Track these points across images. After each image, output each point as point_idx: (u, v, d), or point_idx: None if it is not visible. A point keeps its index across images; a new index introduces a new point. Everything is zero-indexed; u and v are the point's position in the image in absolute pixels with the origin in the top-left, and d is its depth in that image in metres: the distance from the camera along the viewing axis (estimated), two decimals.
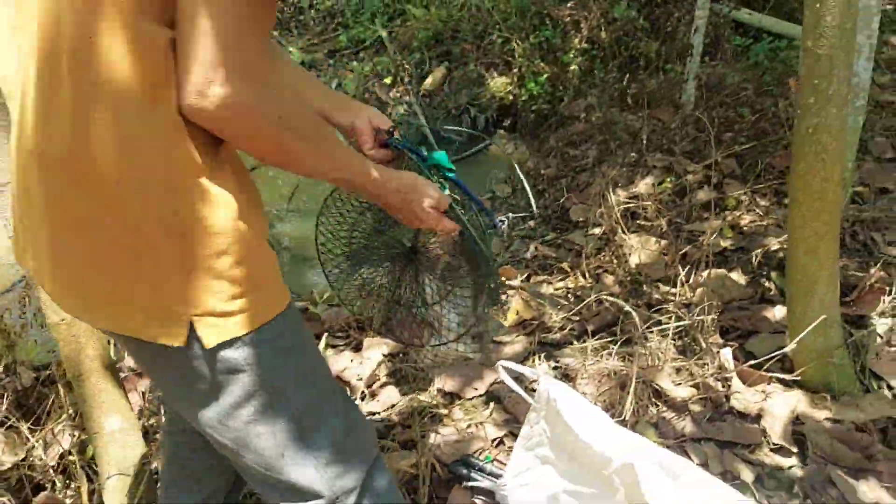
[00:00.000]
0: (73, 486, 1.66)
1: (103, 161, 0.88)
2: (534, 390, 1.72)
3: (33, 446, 1.67)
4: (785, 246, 2.73)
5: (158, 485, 1.62)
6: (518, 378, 1.74)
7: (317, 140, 1.01)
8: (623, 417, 1.84)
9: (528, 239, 3.31)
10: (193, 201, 0.91)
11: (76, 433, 1.69)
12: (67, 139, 0.89)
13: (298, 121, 0.96)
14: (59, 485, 1.66)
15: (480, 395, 2.07)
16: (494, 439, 1.91)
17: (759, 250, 2.71)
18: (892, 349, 2.23)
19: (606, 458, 1.54)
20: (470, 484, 1.73)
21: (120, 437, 1.53)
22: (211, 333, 0.96)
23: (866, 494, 1.79)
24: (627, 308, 2.09)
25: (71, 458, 1.70)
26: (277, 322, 1.03)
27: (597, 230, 3.09)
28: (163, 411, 1.37)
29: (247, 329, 0.99)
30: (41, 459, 1.68)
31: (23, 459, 1.67)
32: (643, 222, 3.06)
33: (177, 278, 0.93)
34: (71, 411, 1.71)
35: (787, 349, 2.00)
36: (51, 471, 1.67)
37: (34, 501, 1.61)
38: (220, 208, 0.93)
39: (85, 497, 1.55)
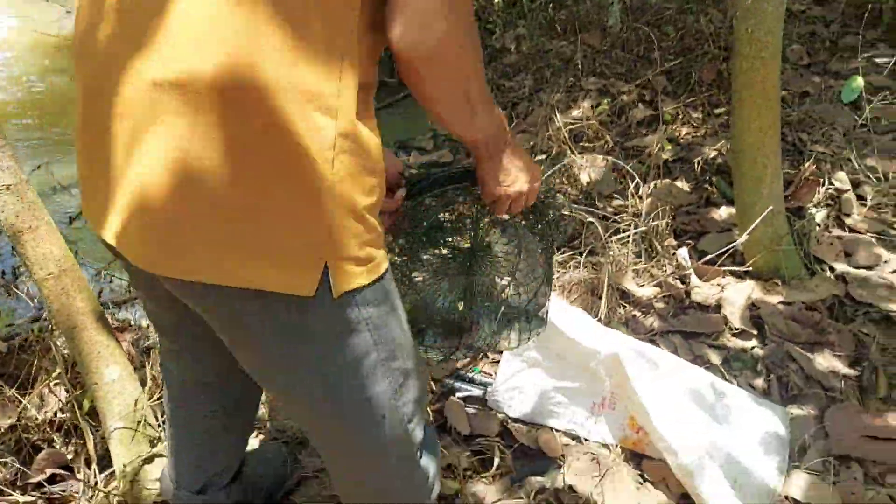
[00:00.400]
0: (73, 441, 1.67)
1: (271, 77, 0.82)
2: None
3: (25, 408, 1.66)
4: (723, 152, 2.88)
5: (162, 426, 1.64)
6: None
7: (487, 92, 1.01)
8: (598, 318, 1.94)
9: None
10: (357, 133, 0.89)
11: (69, 389, 1.69)
12: (232, 60, 0.81)
13: (481, 66, 0.97)
14: (58, 441, 1.67)
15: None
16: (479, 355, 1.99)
17: (699, 158, 2.84)
18: (830, 235, 2.39)
19: (593, 351, 1.64)
20: (462, 394, 1.81)
21: (119, 386, 1.54)
22: (343, 281, 0.91)
23: (821, 364, 1.95)
24: (591, 220, 2.18)
25: (64, 415, 1.70)
26: (388, 274, 1.00)
27: (542, 156, 3.17)
28: (167, 388, 1.33)
29: (373, 277, 0.95)
30: (35, 420, 1.67)
31: (17, 421, 1.66)
32: (586, 143, 3.15)
33: (323, 216, 0.87)
34: (59, 369, 1.70)
35: (738, 242, 2.13)
36: (48, 429, 1.67)
37: (36, 459, 1.61)
38: (373, 149, 0.93)
39: (92, 449, 1.56)
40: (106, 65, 0.89)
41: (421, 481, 1.17)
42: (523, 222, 1.45)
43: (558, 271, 2.21)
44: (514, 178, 1.15)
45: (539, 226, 1.45)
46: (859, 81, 2.23)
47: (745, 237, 2.10)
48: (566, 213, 1.42)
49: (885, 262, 2.30)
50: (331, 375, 0.99)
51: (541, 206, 1.40)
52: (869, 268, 2.29)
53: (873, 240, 2.38)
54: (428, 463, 1.18)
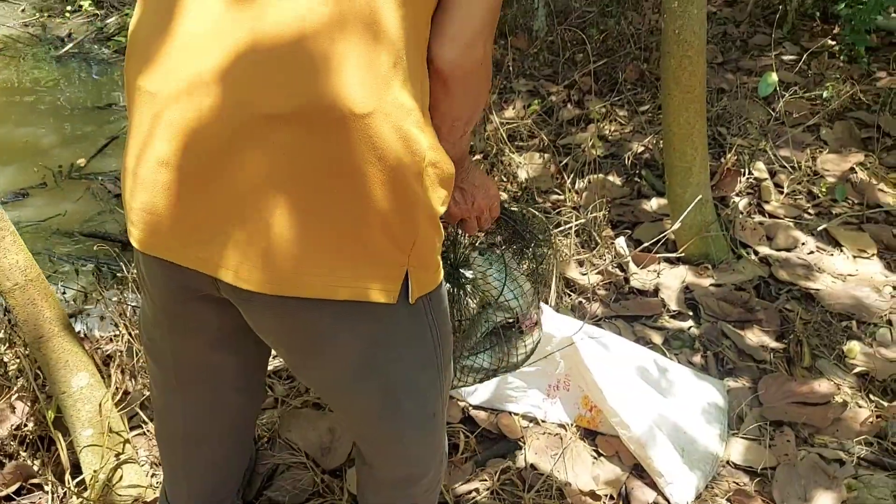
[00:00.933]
0: (39, 453, 1.66)
1: (379, 100, 0.87)
2: None
3: None
4: (650, 147, 3.04)
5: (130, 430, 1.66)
6: None
7: None
8: (548, 306, 2.04)
9: None
10: (437, 146, 0.95)
11: (33, 401, 1.68)
12: (346, 89, 0.86)
13: None
14: (23, 455, 1.66)
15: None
16: None
17: (628, 154, 2.99)
18: (753, 221, 2.57)
19: (548, 335, 1.73)
20: None
21: (88, 393, 1.54)
22: (418, 287, 0.97)
23: (752, 339, 2.10)
24: (536, 214, 2.28)
25: (27, 427, 1.69)
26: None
27: (480, 155, 3.27)
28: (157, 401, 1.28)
29: (438, 282, 1.02)
30: None
31: None
32: (521, 143, 3.27)
33: (415, 228, 0.93)
34: (23, 381, 1.69)
35: (671, 229, 2.28)
36: (11, 443, 1.66)
37: (2, 473, 1.60)
38: (446, 160, 0.97)
39: (65, 458, 1.56)
40: (196, 94, 0.88)
41: (443, 469, 1.27)
42: (502, 244, 1.52)
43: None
44: (472, 196, 1.20)
45: (517, 246, 1.52)
46: (774, 77, 2.40)
47: (677, 224, 2.24)
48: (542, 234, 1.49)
49: (803, 244, 2.49)
50: (400, 378, 1.05)
51: (517, 225, 1.48)
52: (788, 250, 2.48)
53: (791, 224, 2.57)
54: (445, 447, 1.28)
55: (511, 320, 1.49)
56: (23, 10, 5.13)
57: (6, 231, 1.42)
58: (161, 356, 1.18)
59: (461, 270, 1.49)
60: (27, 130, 3.99)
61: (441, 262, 1.03)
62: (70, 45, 4.86)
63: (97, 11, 5.21)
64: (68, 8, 5.26)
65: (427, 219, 0.95)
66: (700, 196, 2.24)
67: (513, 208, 1.46)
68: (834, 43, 4.19)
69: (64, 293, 2.31)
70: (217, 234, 0.90)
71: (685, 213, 2.23)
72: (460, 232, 1.42)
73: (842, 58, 4.04)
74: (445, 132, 1.03)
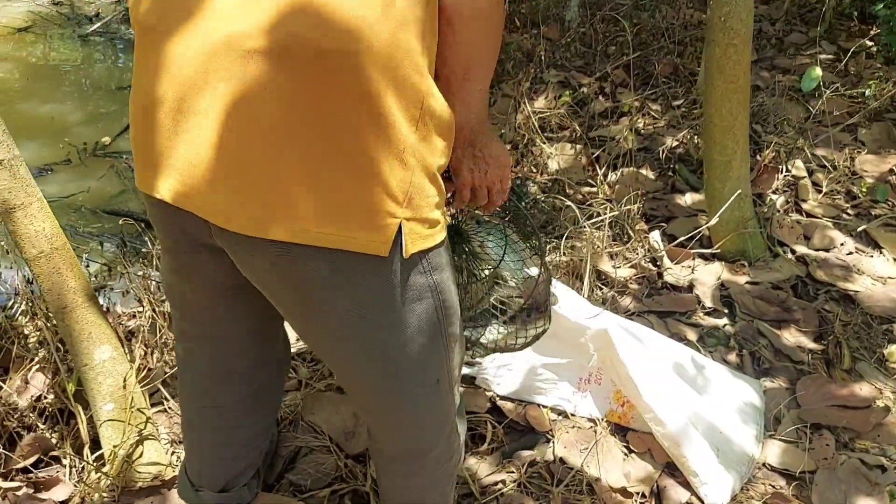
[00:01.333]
0: (58, 426, 1.63)
1: (374, 36, 0.84)
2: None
3: (8, 394, 1.62)
4: (684, 142, 2.97)
5: (152, 407, 1.62)
6: None
7: None
8: (585, 296, 1.99)
9: None
10: (432, 92, 0.91)
11: (54, 373, 1.65)
12: (334, 25, 0.83)
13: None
14: (42, 427, 1.63)
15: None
16: None
17: (662, 147, 2.92)
18: (790, 219, 2.50)
19: (582, 327, 1.68)
20: None
21: (110, 367, 1.51)
22: (413, 242, 0.92)
23: (789, 339, 2.03)
24: (568, 203, 2.23)
25: (47, 400, 1.66)
26: (446, 238, 1.01)
27: (508, 145, 3.22)
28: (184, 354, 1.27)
29: (438, 240, 0.96)
30: (16, 406, 1.63)
31: None
32: (550, 133, 3.21)
33: (406, 175, 0.88)
34: (44, 352, 1.66)
35: (709, 223, 2.21)
36: (30, 414, 1.63)
37: (20, 445, 1.57)
38: (445, 110, 0.93)
39: (84, 432, 1.53)
40: (184, 34, 0.87)
41: (455, 445, 1.20)
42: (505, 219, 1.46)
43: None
44: (486, 165, 1.13)
45: (516, 223, 1.46)
46: (818, 71, 2.33)
47: (715, 219, 2.18)
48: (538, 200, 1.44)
49: (842, 244, 2.42)
50: (398, 340, 0.99)
51: (514, 200, 1.42)
52: (826, 250, 2.40)
53: (829, 224, 2.49)
54: (461, 429, 1.22)
55: (521, 300, 1.43)
56: None
57: (33, 197, 1.39)
58: (175, 301, 1.18)
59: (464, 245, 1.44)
60: (52, 107, 3.97)
61: (443, 221, 0.97)
62: (97, 24, 4.85)
63: None
64: None
65: (421, 169, 0.90)
66: (739, 191, 2.18)
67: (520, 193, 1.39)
68: (872, 44, 4.10)
69: (88, 266, 2.28)
70: (202, 174, 0.87)
71: (723, 207, 2.16)
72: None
73: (879, 59, 3.95)
74: (455, 87, 0.98)
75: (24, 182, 1.38)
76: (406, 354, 1.01)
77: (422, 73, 0.88)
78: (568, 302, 1.73)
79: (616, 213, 2.34)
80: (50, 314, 1.54)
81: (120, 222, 2.69)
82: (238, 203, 0.87)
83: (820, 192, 2.67)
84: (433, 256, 0.97)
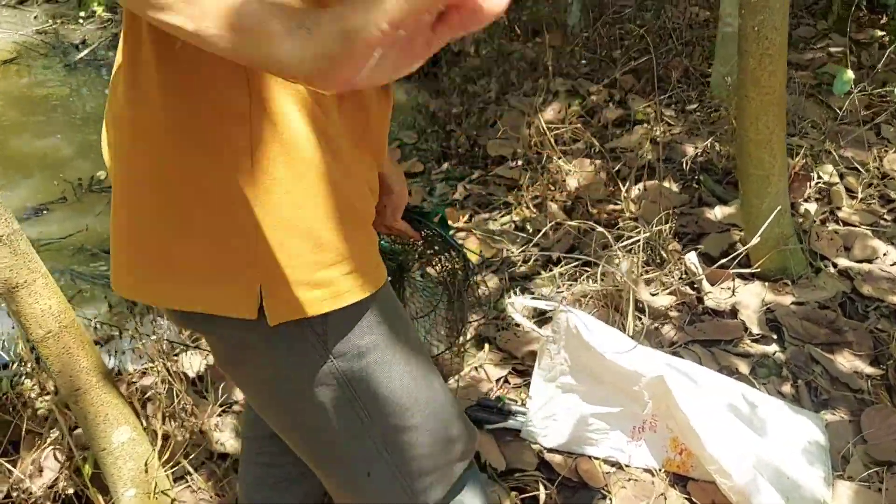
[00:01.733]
0: None
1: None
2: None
3: (20, 479, 1.49)
4: (707, 150, 2.85)
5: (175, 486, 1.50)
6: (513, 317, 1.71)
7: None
8: (628, 334, 1.87)
9: (452, 180, 3.27)
10: (267, 105, 0.77)
11: (67, 455, 1.52)
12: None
13: None
14: None
15: (469, 339, 2.04)
16: (498, 379, 1.89)
17: (685, 158, 2.80)
18: (828, 230, 2.39)
19: (635, 373, 1.56)
20: (493, 426, 1.71)
21: (130, 449, 1.38)
22: (279, 307, 0.78)
23: (844, 365, 1.92)
24: (600, 229, 2.11)
25: (62, 484, 1.54)
26: (372, 309, 0.85)
27: (519, 161, 3.09)
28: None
29: (330, 307, 0.79)
30: (29, 491, 1.50)
31: (6, 497, 1.49)
32: (563, 147, 3.09)
33: (244, 232, 0.77)
34: (55, 433, 1.53)
35: (749, 246, 2.09)
36: (47, 503, 1.50)
37: None
38: (321, 153, 0.79)
39: None
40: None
41: None
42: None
43: (566, 283, 2.13)
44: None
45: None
46: (849, 74, 2.22)
47: (756, 239, 2.06)
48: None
49: (885, 254, 2.30)
50: (307, 423, 0.88)
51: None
52: (868, 261, 2.29)
53: (868, 232, 2.38)
54: None
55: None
56: (35, 17, 4.98)
57: (37, 273, 1.26)
58: None
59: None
60: (44, 142, 3.84)
61: (342, 286, 0.80)
62: (84, 51, 4.71)
63: (111, 17, 5.06)
64: (81, 14, 5.11)
65: (278, 225, 0.76)
66: (779, 207, 2.06)
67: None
68: (883, 33, 3.99)
69: (92, 324, 2.15)
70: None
71: (764, 226, 2.04)
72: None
73: (892, 48, 3.84)
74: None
75: (27, 257, 1.25)
76: (322, 441, 0.89)
77: (246, 119, 0.75)
78: (605, 338, 1.61)
79: (647, 233, 2.22)
80: (60, 391, 1.41)
81: None
82: (124, 274, 0.84)
83: (854, 197, 2.56)
84: (331, 329, 0.81)
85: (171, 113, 0.76)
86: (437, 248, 1.30)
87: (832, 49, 3.98)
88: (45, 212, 3.28)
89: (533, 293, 2.17)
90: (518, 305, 1.62)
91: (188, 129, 0.76)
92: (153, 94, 0.76)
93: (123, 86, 0.80)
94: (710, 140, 2.81)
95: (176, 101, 0.75)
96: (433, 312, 1.48)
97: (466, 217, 2.75)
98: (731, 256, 2.11)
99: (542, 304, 1.62)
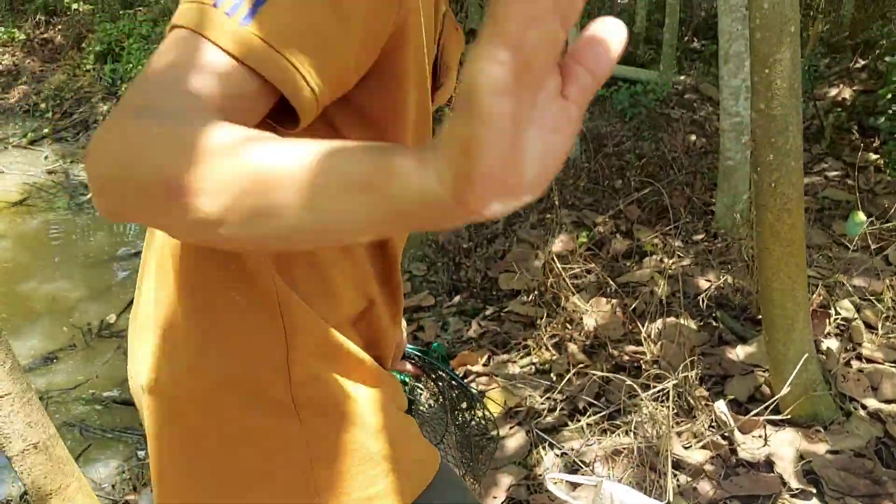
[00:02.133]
0: None
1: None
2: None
3: None
4: (720, 285, 2.87)
5: None
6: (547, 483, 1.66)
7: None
8: (668, 501, 1.81)
9: (464, 315, 3.26)
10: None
11: None
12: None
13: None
14: None
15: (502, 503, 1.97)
16: None
17: (700, 295, 2.81)
18: (852, 370, 2.36)
19: None
20: None
21: None
22: None
23: None
24: (629, 382, 2.08)
25: None
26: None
27: (529, 297, 3.10)
28: None
29: None
30: None
31: None
32: (574, 280, 3.10)
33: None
34: None
35: (779, 396, 2.06)
36: None
37: None
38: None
39: None
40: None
41: None
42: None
43: (592, 438, 2.09)
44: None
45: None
46: (861, 216, 2.26)
47: (786, 388, 2.03)
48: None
49: None
50: None
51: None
52: None
53: (894, 370, 2.36)
54: None
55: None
56: (46, 157, 5.09)
57: (71, 477, 1.21)
58: None
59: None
60: (53, 286, 3.84)
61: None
62: None
63: None
64: None
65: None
66: (806, 354, 2.05)
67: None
68: (877, 156, 4.10)
69: (103, 487, 2.08)
70: None
71: (794, 374, 2.02)
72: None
73: (888, 171, 3.94)
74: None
75: (62, 462, 1.21)
76: None
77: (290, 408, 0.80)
78: None
79: (674, 380, 2.20)
80: None
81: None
82: None
83: (873, 332, 2.55)
84: None
85: None
86: (440, 383, 1.30)
87: (829, 174, 4.08)
88: (54, 361, 3.24)
89: (563, 449, 2.12)
90: (552, 482, 1.57)
91: None
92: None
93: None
94: (723, 276, 2.82)
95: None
96: (442, 442, 1.45)
97: (484, 359, 2.73)
98: (763, 406, 2.08)
99: (582, 480, 1.58)
